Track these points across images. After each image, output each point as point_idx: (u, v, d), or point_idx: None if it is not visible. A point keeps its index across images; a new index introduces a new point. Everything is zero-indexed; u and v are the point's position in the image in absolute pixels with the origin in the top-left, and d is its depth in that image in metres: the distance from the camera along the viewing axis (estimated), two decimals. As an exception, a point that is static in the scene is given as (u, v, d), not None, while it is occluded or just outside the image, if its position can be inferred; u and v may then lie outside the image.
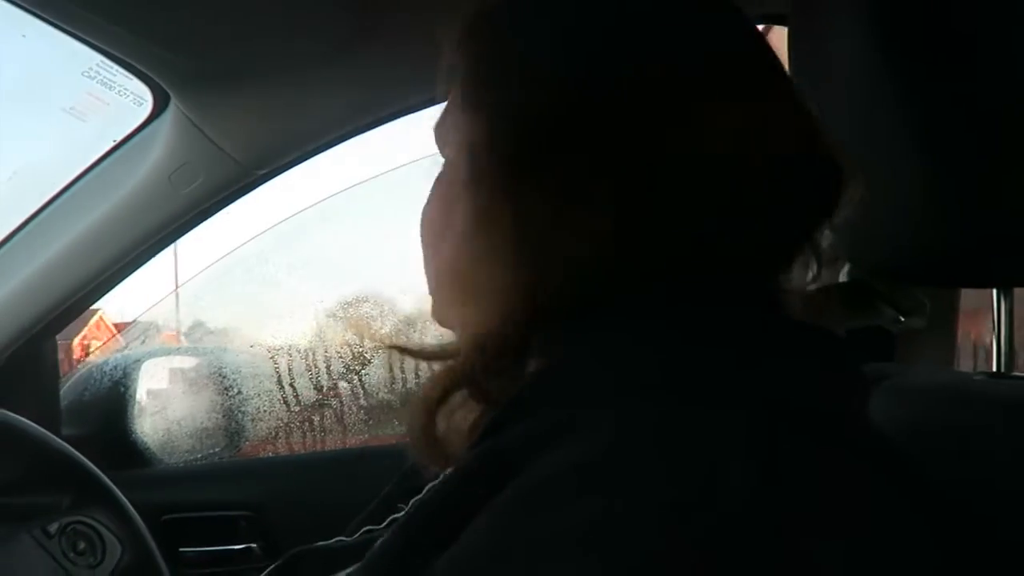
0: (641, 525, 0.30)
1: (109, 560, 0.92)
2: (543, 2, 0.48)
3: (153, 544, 0.96)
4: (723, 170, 0.43)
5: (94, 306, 1.33)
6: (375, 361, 1.59)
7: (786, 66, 0.56)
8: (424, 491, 0.57)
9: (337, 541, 0.68)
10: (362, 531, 0.68)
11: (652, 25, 0.45)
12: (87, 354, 1.75)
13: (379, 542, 0.43)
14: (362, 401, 1.60)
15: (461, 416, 0.50)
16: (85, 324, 1.86)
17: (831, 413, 0.39)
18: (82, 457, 0.95)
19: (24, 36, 0.88)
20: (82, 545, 0.90)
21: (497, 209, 0.44)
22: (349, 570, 0.48)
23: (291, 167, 1.13)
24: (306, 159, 1.12)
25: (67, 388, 1.42)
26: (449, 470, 0.43)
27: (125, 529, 0.94)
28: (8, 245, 1.19)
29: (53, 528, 0.88)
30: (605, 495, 0.31)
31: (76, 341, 1.85)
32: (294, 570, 0.65)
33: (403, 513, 0.66)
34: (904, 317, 0.97)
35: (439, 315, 0.53)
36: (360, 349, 1.61)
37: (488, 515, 0.34)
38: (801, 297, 0.48)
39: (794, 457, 0.33)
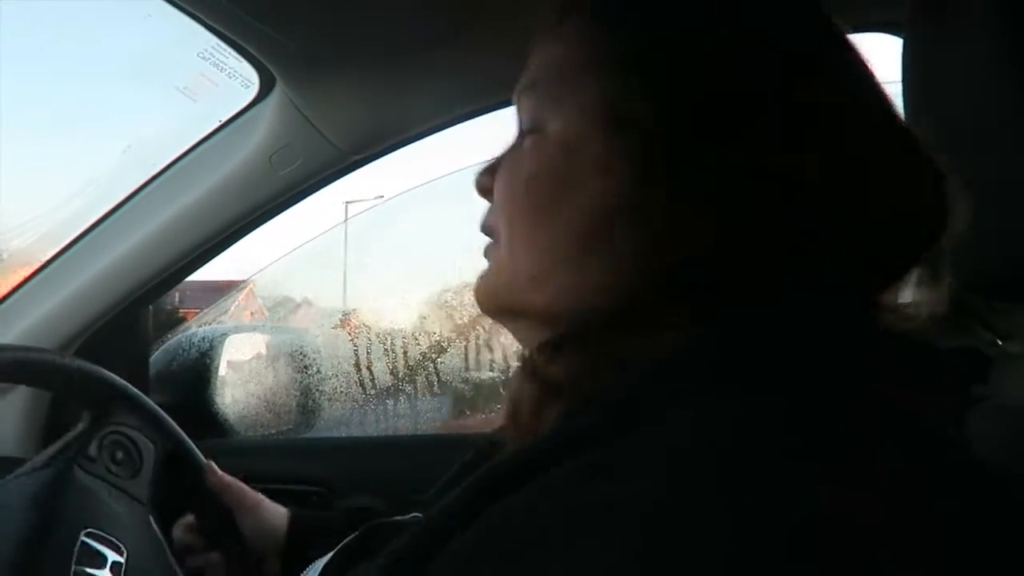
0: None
1: (147, 462, 0.92)
2: None
3: (183, 434, 0.97)
4: (851, 174, 0.43)
5: (247, 278, 1.37)
6: (451, 350, 1.62)
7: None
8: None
9: (412, 517, 0.69)
10: None
11: (796, 30, 0.47)
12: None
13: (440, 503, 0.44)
14: (436, 389, 1.62)
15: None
16: (240, 294, 1.93)
17: (923, 430, 0.37)
18: (94, 366, 0.93)
19: (149, 15, 0.93)
20: (120, 455, 0.90)
21: (646, 188, 0.45)
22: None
23: (387, 153, 1.16)
24: (403, 146, 1.14)
25: (156, 357, 1.48)
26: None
27: (153, 427, 0.94)
28: (114, 216, 1.25)
29: (92, 450, 0.88)
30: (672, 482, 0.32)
31: (231, 310, 1.92)
32: (370, 542, 0.67)
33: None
34: (1002, 340, 0.93)
35: (525, 291, 0.50)
36: (438, 337, 1.64)
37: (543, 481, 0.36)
38: (900, 312, 0.47)
39: (882, 471, 0.32)
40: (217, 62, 1.03)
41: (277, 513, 0.94)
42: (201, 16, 0.93)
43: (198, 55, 1.01)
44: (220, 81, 1.07)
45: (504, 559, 0.34)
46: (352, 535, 0.71)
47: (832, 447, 0.33)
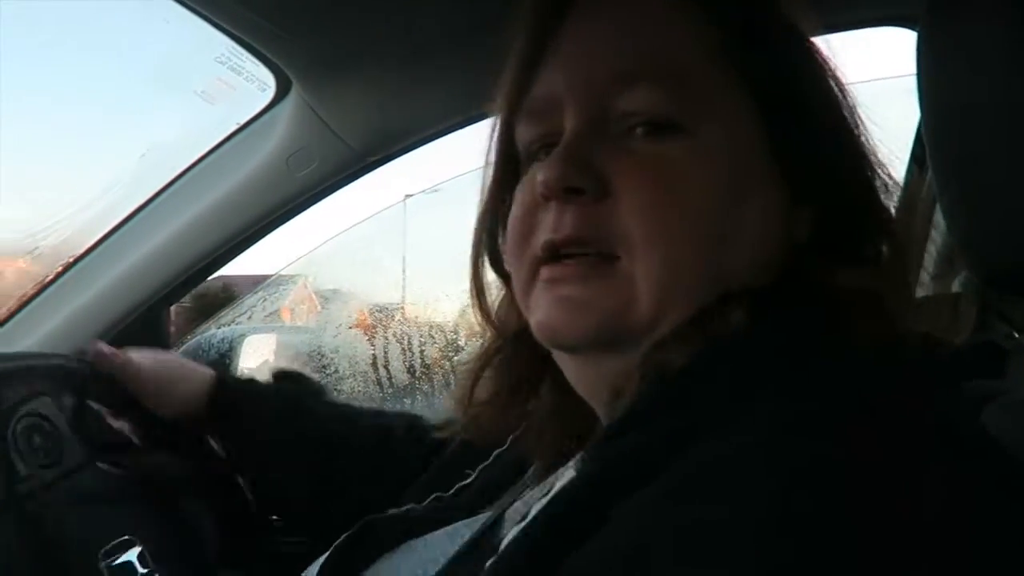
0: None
1: (61, 427, 0.85)
2: None
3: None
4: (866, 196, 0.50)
5: (299, 273, 1.37)
6: (468, 348, 1.62)
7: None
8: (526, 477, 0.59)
9: (408, 509, 0.68)
10: (431, 498, 0.69)
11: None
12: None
13: (504, 547, 0.43)
14: (453, 387, 1.62)
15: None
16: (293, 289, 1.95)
17: (942, 425, 0.38)
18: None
19: (167, 22, 0.94)
20: (37, 439, 0.82)
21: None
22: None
23: (403, 154, 1.16)
24: (418, 146, 1.15)
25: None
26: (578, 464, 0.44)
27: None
28: (134, 220, 1.26)
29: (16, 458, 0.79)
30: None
31: (284, 304, 1.94)
32: (367, 537, 0.64)
33: (470, 480, 0.68)
34: (1019, 333, 0.93)
35: (661, 310, 0.46)
36: (454, 336, 1.65)
37: (634, 507, 0.35)
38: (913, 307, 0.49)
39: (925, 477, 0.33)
40: (234, 66, 1.05)
41: (201, 380, 0.96)
42: (218, 21, 0.94)
43: (215, 59, 1.03)
44: (237, 84, 1.09)
45: None
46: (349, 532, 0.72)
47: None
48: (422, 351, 1.67)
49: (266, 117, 1.16)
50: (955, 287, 1.04)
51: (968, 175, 0.56)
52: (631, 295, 0.45)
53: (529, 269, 0.49)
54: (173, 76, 1.22)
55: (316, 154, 1.14)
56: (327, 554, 0.65)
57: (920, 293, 1.10)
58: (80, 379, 0.93)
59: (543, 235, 0.47)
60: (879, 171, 0.50)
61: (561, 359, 0.52)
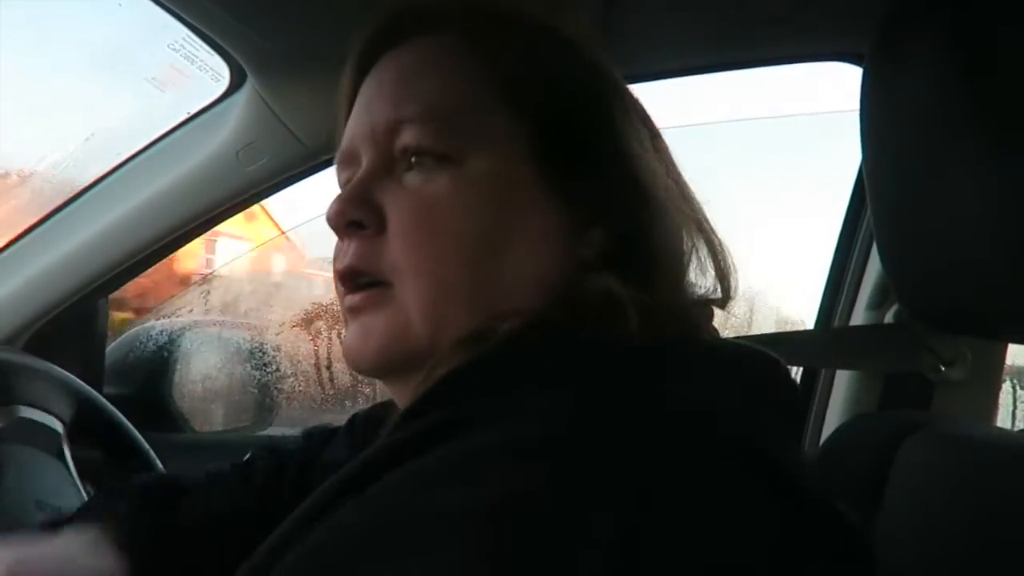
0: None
1: None
2: None
3: None
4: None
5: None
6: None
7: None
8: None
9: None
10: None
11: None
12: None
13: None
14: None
15: None
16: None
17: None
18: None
19: (120, 4, 0.91)
20: None
21: (564, 216, 0.51)
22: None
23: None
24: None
25: (112, 348, 1.45)
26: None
27: None
28: (73, 205, 1.22)
29: None
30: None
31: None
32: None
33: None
34: (945, 366, 0.96)
35: (440, 332, 0.49)
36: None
37: (381, 486, 0.35)
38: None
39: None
40: (188, 54, 1.02)
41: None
42: (173, 7, 0.92)
43: (169, 46, 1.01)
44: (190, 73, 1.06)
45: (336, 569, 0.33)
46: None
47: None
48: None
49: (218, 108, 1.14)
50: (888, 318, 1.07)
51: (904, 214, 0.58)
52: (406, 320, 0.48)
53: (340, 298, 0.53)
54: (123, 60, 1.18)
55: (267, 149, 1.12)
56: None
57: (855, 321, 1.13)
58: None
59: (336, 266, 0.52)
60: (667, 197, 0.52)
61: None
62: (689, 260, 0.53)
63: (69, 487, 1.03)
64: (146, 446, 1.17)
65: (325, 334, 1.66)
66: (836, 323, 1.18)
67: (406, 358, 0.48)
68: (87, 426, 1.12)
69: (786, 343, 1.04)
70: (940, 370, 0.94)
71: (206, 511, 0.69)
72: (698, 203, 0.55)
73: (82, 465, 1.08)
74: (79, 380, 1.13)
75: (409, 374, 0.49)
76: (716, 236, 0.55)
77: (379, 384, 1.71)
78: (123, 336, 1.50)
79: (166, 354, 1.48)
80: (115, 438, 1.15)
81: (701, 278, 0.54)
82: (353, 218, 0.50)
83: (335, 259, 0.52)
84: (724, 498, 0.33)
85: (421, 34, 0.53)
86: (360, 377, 1.66)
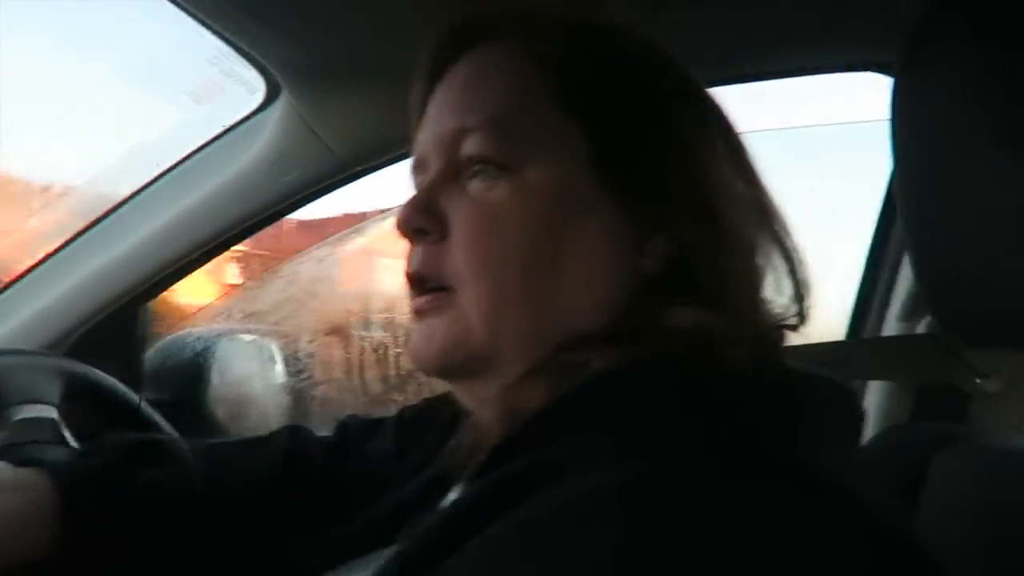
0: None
1: None
2: None
3: None
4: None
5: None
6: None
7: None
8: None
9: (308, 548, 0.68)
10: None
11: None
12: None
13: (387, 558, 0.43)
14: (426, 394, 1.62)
15: None
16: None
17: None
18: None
19: (161, 20, 0.94)
20: None
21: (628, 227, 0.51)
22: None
23: (389, 164, 1.17)
24: (406, 158, 1.15)
25: (151, 354, 1.48)
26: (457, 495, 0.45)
27: None
28: (113, 216, 1.25)
29: None
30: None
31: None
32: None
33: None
34: (980, 378, 0.94)
35: (503, 338, 0.50)
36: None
37: (489, 538, 0.35)
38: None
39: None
40: (225, 68, 1.05)
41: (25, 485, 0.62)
42: (210, 22, 0.94)
43: (207, 60, 1.03)
44: (226, 87, 1.09)
45: None
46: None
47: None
48: (398, 362, 1.67)
49: (253, 120, 1.16)
50: (920, 329, 1.06)
51: (937, 225, 0.57)
52: (467, 325, 0.49)
53: (409, 300, 0.54)
54: (163, 74, 1.21)
55: (300, 161, 1.15)
56: None
57: (886, 332, 1.12)
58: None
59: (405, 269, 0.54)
60: (746, 200, 0.52)
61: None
62: (764, 276, 0.52)
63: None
64: (134, 397, 1.19)
65: (357, 342, 1.67)
66: (867, 334, 1.17)
67: (467, 361, 0.50)
68: (74, 394, 1.14)
69: (817, 354, 1.03)
70: (975, 382, 0.92)
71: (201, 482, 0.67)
72: (779, 214, 0.53)
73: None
74: (46, 351, 1.17)
75: (472, 377, 0.51)
76: (795, 251, 0.53)
77: (411, 390, 1.72)
78: (161, 342, 1.52)
79: (202, 360, 1.50)
80: (102, 398, 1.18)
81: (776, 295, 0.53)
82: (417, 225, 0.51)
83: (407, 261, 0.54)
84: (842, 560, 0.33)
85: (484, 42, 0.55)
86: (391, 384, 1.67)
